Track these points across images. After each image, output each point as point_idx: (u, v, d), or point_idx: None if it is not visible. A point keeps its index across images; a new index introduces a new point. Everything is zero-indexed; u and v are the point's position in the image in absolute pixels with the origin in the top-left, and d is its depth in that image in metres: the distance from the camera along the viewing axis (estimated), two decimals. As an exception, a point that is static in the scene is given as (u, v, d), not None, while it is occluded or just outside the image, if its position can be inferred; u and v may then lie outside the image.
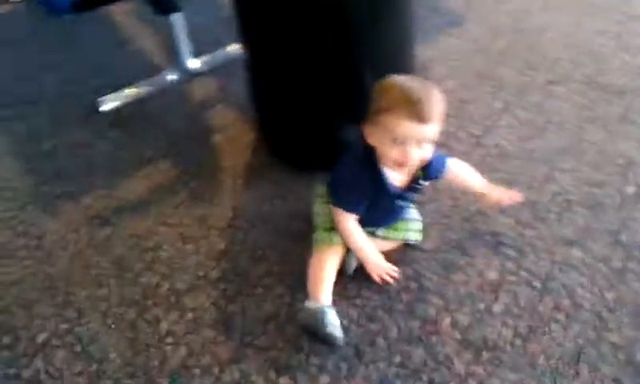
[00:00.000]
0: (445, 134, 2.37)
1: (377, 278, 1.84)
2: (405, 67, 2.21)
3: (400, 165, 1.67)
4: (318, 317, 1.72)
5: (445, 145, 2.35)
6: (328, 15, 1.91)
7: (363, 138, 1.69)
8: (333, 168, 1.83)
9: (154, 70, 2.88)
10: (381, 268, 1.84)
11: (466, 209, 2.09)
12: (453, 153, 2.29)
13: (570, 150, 2.29)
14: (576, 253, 1.93)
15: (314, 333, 1.72)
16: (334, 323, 1.72)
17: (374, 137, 1.66)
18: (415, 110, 1.56)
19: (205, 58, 2.89)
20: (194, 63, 2.83)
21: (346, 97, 2.10)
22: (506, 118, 2.46)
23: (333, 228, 1.84)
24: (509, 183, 2.09)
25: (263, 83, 2.21)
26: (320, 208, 1.91)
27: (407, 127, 1.58)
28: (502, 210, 2.05)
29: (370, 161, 1.71)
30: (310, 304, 1.75)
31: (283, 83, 2.12)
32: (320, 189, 1.92)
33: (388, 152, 1.65)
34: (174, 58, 2.82)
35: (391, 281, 1.85)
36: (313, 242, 1.88)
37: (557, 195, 2.13)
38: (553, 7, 3.16)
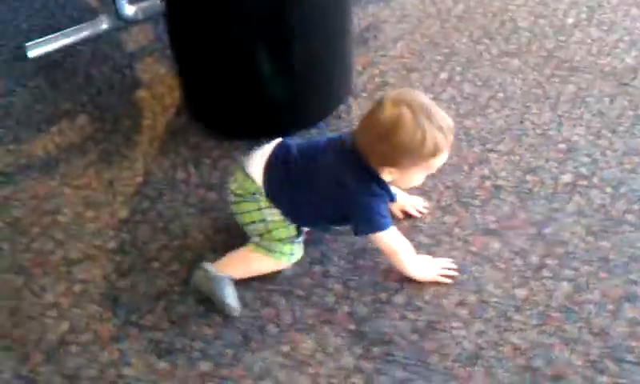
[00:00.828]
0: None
1: (445, 280, 1.73)
2: (338, 31, 2.07)
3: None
4: (217, 284, 1.65)
5: (378, 116, 2.22)
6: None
7: (367, 171, 1.61)
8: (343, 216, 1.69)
9: (88, 15, 2.74)
10: (438, 267, 1.75)
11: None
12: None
13: (510, 131, 2.16)
14: (494, 244, 1.82)
15: (210, 297, 1.66)
16: (232, 294, 1.66)
17: (407, 175, 1.62)
18: (450, 139, 1.57)
19: (142, 4, 2.73)
20: (130, 9, 2.67)
21: (271, 64, 1.98)
22: (449, 91, 2.33)
23: (288, 237, 1.71)
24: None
25: (184, 44, 2.07)
26: (270, 215, 1.70)
27: (446, 156, 1.60)
28: (424, 194, 1.93)
29: (380, 184, 1.63)
30: (211, 269, 1.67)
31: (205, 46, 1.99)
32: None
33: (416, 182, 1.66)
34: (108, 2, 2.67)
35: (455, 273, 1.74)
36: (265, 250, 1.71)
37: (485, 179, 2.00)
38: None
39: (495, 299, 1.69)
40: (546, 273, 1.75)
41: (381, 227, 1.64)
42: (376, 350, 1.60)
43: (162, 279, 1.77)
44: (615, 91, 2.28)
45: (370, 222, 1.64)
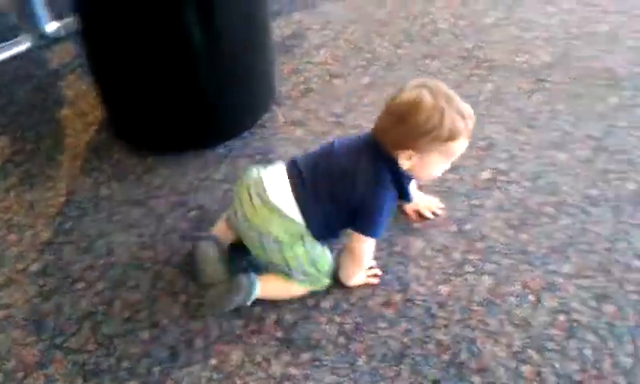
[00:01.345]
0: (305, 111, 2.28)
1: (373, 281, 1.76)
2: (257, 41, 2.08)
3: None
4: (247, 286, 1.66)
5: (303, 124, 2.24)
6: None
7: (389, 161, 1.58)
8: (366, 207, 1.61)
9: (10, 34, 2.68)
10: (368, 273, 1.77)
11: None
12: (308, 134, 2.19)
13: (432, 131, 2.20)
14: (417, 243, 1.85)
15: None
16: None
17: (426, 161, 1.58)
18: (469, 127, 1.56)
19: (64, 21, 2.69)
20: (52, 26, 2.63)
21: (189, 77, 1.97)
22: (371, 95, 2.36)
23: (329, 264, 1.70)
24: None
25: (100, 62, 2.05)
26: (301, 248, 1.64)
27: (465, 145, 1.59)
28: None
29: (399, 183, 1.61)
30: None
31: (121, 63, 1.97)
32: (291, 229, 1.63)
33: (437, 171, 1.63)
34: (31, 21, 2.62)
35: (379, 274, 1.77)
36: (300, 281, 1.68)
37: (408, 180, 2.03)
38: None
39: (419, 297, 1.72)
40: (468, 268, 1.78)
41: (375, 234, 1.63)
42: (305, 356, 1.61)
43: (87, 300, 1.74)
44: (532, 87, 2.35)
45: (376, 225, 1.62)
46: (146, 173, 2.07)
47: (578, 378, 1.55)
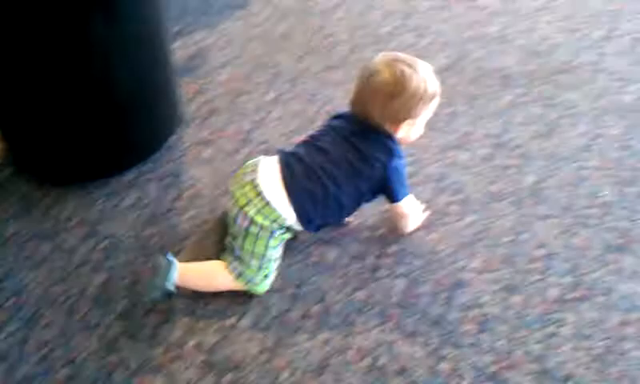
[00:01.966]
0: (212, 131, 2.28)
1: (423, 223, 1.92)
2: (157, 64, 2.07)
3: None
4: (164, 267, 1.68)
5: (211, 144, 2.24)
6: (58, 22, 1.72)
7: (388, 138, 1.72)
8: (387, 174, 1.73)
9: None
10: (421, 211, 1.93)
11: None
12: (217, 152, 2.19)
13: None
14: (332, 252, 1.89)
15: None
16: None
17: (408, 127, 1.72)
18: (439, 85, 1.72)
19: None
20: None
21: (88, 105, 1.94)
22: (277, 111, 2.38)
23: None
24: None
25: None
26: (265, 240, 1.70)
27: (438, 100, 1.75)
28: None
29: (398, 145, 1.75)
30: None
31: (17, 95, 1.91)
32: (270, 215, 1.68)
33: (419, 133, 1.77)
34: None
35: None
36: (234, 273, 1.72)
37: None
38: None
39: (337, 305, 1.75)
40: (382, 272, 1.83)
41: (407, 192, 1.79)
42: (228, 376, 1.61)
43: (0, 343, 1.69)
44: (431, 91, 2.42)
45: (404, 186, 1.77)
46: (53, 206, 2.02)
47: (492, 369, 1.62)
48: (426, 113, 1.72)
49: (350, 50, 2.65)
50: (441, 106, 2.33)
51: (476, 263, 1.87)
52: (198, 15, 2.86)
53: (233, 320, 1.73)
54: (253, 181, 1.68)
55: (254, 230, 1.67)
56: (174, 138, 2.25)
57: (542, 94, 2.43)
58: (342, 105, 2.35)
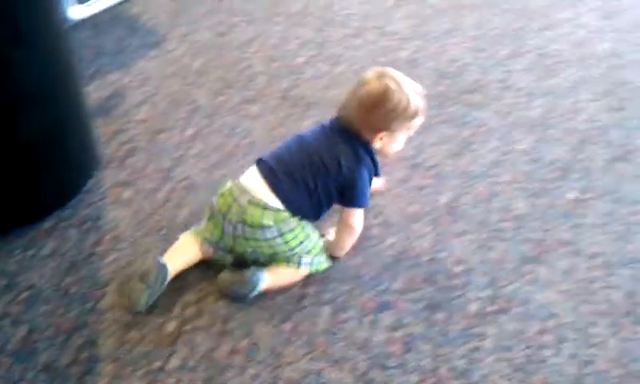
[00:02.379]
0: (132, 171, 2.27)
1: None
2: (70, 108, 2.05)
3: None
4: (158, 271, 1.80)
5: (131, 184, 2.22)
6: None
7: (366, 145, 1.84)
8: (350, 178, 1.84)
9: None
10: None
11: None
12: (137, 193, 2.18)
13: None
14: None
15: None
16: None
17: (386, 139, 1.83)
18: (424, 103, 1.84)
19: None
20: None
21: (3, 152, 1.90)
22: (197, 146, 2.38)
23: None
24: (196, 217, 2.02)
25: None
26: (306, 229, 1.88)
27: (422, 120, 1.87)
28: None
29: (373, 160, 1.87)
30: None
31: None
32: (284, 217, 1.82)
33: (398, 148, 1.89)
34: None
35: None
36: (303, 264, 1.88)
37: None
38: (260, 19, 3.10)
39: (265, 339, 1.76)
40: (307, 301, 1.85)
41: (365, 203, 1.89)
42: (156, 420, 1.60)
43: None
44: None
45: (364, 196, 1.87)
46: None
47: (418, 388, 1.66)
48: (405, 129, 1.85)
49: (267, 82, 2.68)
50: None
51: (399, 284, 1.91)
52: (113, 56, 2.85)
53: (159, 363, 1.71)
54: (250, 201, 1.81)
55: (285, 227, 1.81)
56: (92, 181, 2.23)
57: (453, 113, 2.51)
58: (262, 136, 2.40)
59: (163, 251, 1.90)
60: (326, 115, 2.46)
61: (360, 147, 1.83)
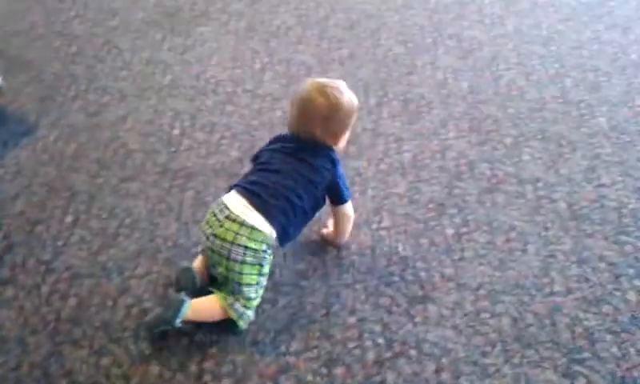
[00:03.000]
0: (11, 267, 2.18)
1: None
2: None
3: None
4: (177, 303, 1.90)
5: (11, 281, 2.14)
6: None
7: (330, 150, 2.06)
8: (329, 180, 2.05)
9: None
10: None
11: None
12: (19, 290, 2.10)
13: (145, 252, 2.24)
14: (153, 369, 1.86)
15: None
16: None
17: (344, 138, 2.11)
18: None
19: None
20: None
21: None
22: (78, 233, 2.33)
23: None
24: (83, 306, 1.97)
25: None
26: (262, 281, 1.99)
27: None
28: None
29: (338, 157, 2.09)
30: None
31: None
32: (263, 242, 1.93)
33: (345, 143, 2.13)
34: None
35: None
36: (233, 309, 1.93)
37: (130, 308, 2.04)
38: (131, 95, 3.08)
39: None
40: (207, 378, 1.84)
41: (351, 193, 2.17)
42: None
43: None
44: (230, 183, 2.48)
45: (347, 189, 2.12)
46: None
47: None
48: (352, 125, 2.09)
49: (144, 158, 2.66)
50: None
51: (296, 344, 1.93)
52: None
53: None
54: (229, 216, 1.91)
55: (249, 258, 1.89)
56: (-33, 286, 2.13)
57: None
58: (144, 213, 2.38)
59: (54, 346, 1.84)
60: (208, 184, 2.50)
61: (328, 151, 2.04)
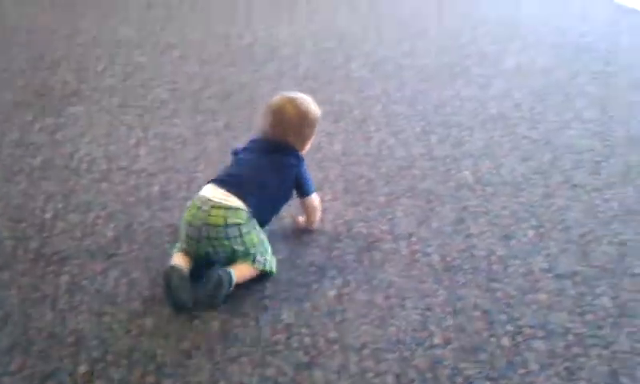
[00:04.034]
0: None
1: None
2: None
3: None
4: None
5: None
6: None
7: (296, 151, 2.49)
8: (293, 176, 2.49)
9: None
10: None
11: None
12: None
13: (18, 346, 2.14)
14: None
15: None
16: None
17: (309, 143, 2.56)
18: None
19: None
20: None
21: None
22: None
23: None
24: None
25: None
26: (260, 235, 2.39)
27: None
28: None
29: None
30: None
31: None
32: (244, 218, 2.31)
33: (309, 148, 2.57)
34: None
35: None
36: (257, 262, 2.33)
37: (5, 408, 1.94)
38: (0, 180, 2.96)
39: None
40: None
41: (314, 187, 2.56)
42: None
43: None
44: (106, 266, 2.44)
45: (312, 182, 2.54)
46: None
47: None
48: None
49: (14, 246, 2.56)
50: (118, 277, 2.37)
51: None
52: None
53: None
54: (214, 205, 2.27)
55: (244, 229, 2.28)
56: None
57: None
58: (17, 304, 2.28)
59: None
60: (84, 267, 2.43)
61: (295, 152, 2.47)
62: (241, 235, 2.27)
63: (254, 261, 2.30)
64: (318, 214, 2.59)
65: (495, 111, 3.45)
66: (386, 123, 3.32)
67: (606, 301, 2.33)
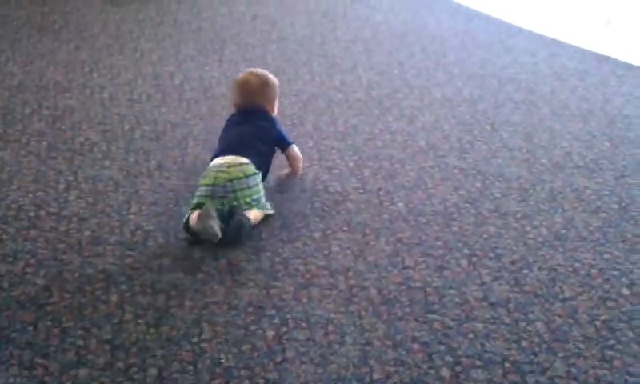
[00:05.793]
0: None
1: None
2: None
3: None
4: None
5: None
6: None
7: (268, 112, 3.08)
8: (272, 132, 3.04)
9: None
10: None
11: None
12: None
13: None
14: None
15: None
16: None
17: (276, 105, 3.12)
18: None
19: None
20: None
21: None
22: None
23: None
24: None
25: None
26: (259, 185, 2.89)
27: None
28: None
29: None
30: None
31: None
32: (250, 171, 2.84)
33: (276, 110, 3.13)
34: None
35: None
36: (265, 208, 2.88)
37: None
38: None
39: None
40: None
41: (291, 139, 3.13)
42: None
43: None
44: (36, 316, 2.37)
45: (288, 135, 3.11)
46: None
47: None
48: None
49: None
50: (50, 327, 2.30)
51: None
52: None
53: None
54: (229, 165, 2.79)
55: (258, 178, 2.84)
56: None
57: (144, 282, 2.54)
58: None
59: None
60: (13, 319, 2.35)
61: (269, 115, 3.05)
62: (257, 184, 2.79)
63: (264, 208, 2.81)
64: (301, 164, 3.07)
65: (424, 143, 3.52)
66: (319, 158, 3.34)
67: (539, 326, 2.39)
